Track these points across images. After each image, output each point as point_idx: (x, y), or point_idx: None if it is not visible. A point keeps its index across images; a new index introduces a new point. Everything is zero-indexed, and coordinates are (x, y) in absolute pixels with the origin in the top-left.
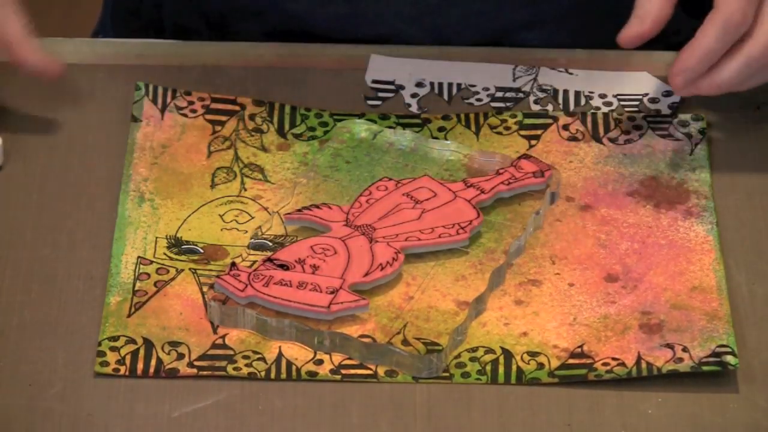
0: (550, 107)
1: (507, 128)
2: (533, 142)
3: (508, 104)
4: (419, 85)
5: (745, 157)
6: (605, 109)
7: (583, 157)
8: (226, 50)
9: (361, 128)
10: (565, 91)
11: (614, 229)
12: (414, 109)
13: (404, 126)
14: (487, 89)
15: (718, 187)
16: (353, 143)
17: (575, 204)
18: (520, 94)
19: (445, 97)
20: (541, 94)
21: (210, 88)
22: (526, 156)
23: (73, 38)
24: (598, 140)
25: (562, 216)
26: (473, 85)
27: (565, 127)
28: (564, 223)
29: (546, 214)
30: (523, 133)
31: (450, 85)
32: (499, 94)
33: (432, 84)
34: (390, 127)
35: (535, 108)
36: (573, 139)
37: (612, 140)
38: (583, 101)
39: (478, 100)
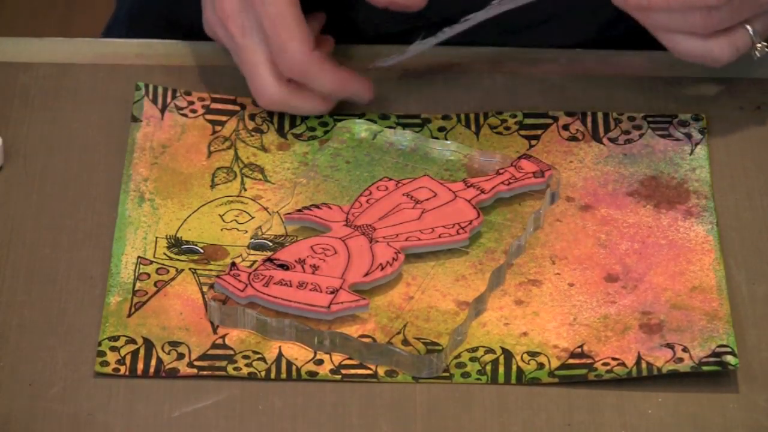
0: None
1: (507, 128)
2: (533, 142)
3: None
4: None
5: (745, 157)
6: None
7: (583, 157)
8: (226, 50)
9: (361, 128)
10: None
11: (614, 229)
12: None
13: (404, 126)
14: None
15: (718, 187)
16: (353, 143)
17: (575, 204)
18: None
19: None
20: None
21: (210, 88)
22: (526, 156)
23: (73, 38)
24: (598, 140)
25: (562, 216)
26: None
27: (565, 127)
28: (564, 223)
29: (546, 214)
30: (523, 133)
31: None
32: None
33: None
34: (390, 127)
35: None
36: (573, 139)
37: (612, 140)
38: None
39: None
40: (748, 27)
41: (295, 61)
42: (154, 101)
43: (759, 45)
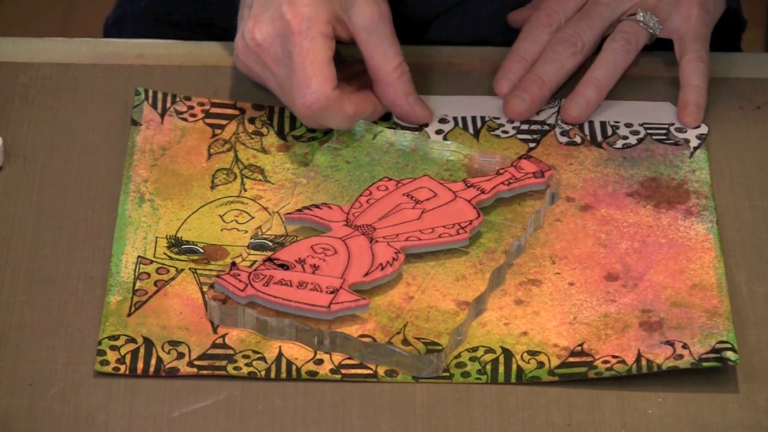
0: (578, 139)
1: (505, 132)
2: (532, 144)
3: (534, 136)
4: (442, 120)
5: (745, 157)
6: (633, 139)
7: (582, 159)
8: (226, 50)
9: (361, 128)
10: (590, 122)
11: (614, 229)
12: None
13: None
14: (511, 122)
15: (718, 187)
16: (353, 143)
17: (575, 204)
18: (546, 127)
19: (471, 131)
20: (566, 126)
21: (210, 88)
22: (526, 156)
23: (73, 38)
24: (598, 145)
25: (562, 216)
26: (497, 118)
27: (564, 134)
28: (564, 223)
29: (546, 214)
30: (521, 137)
31: (474, 118)
32: (525, 127)
33: (455, 119)
34: (390, 128)
35: (563, 140)
36: (572, 143)
37: (611, 145)
38: (610, 131)
39: (504, 132)
40: None
41: (314, 99)
42: (154, 106)
43: None
